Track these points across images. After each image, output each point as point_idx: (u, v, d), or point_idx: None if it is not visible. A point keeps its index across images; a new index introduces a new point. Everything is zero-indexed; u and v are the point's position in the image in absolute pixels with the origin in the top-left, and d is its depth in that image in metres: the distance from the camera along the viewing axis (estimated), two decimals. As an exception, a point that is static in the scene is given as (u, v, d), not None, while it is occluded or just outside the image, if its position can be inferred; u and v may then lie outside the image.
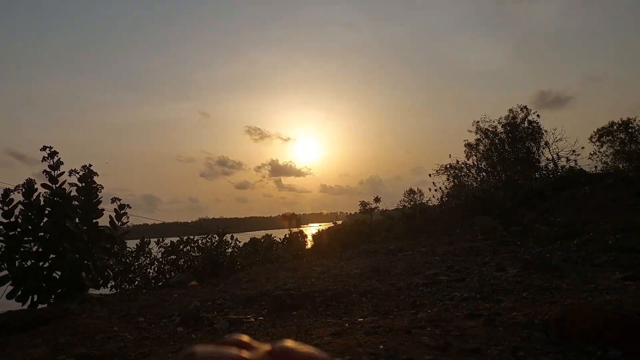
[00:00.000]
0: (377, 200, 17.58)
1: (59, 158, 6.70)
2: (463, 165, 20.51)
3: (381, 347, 2.94)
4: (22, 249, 6.38)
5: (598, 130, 21.98)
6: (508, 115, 20.75)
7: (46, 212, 6.58)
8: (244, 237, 13.55)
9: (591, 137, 22.13)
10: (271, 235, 14.55)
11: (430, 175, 19.10)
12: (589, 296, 3.85)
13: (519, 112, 20.63)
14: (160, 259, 9.62)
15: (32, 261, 6.41)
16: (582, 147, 19.46)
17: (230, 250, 10.70)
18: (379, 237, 14.90)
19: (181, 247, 9.95)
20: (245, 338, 0.31)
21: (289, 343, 0.30)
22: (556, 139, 19.76)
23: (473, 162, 20.91)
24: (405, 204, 20.29)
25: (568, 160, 18.99)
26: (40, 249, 6.47)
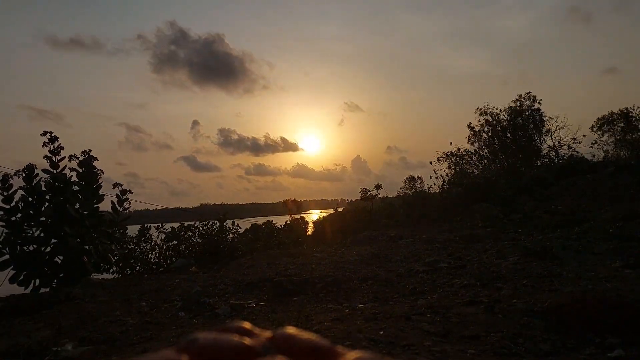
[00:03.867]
0: (377, 187, 17.55)
1: (60, 143, 6.69)
2: (464, 153, 20.48)
3: (381, 333, 2.96)
4: (23, 234, 6.40)
5: (598, 119, 21.93)
6: (516, 100, 20.63)
7: (47, 197, 6.59)
8: (245, 223, 13.58)
9: (592, 126, 22.09)
10: (272, 221, 14.55)
11: (431, 162, 19.06)
12: (589, 284, 3.86)
13: (526, 99, 20.53)
14: (162, 245, 9.66)
15: (34, 246, 6.44)
16: (584, 135, 19.40)
17: (231, 236, 10.73)
18: (380, 224, 14.91)
19: (182, 232, 9.99)
20: (246, 325, 0.30)
21: (290, 330, 0.29)
22: (558, 127, 19.70)
23: (475, 150, 20.87)
24: (406, 191, 20.28)
25: (570, 148, 18.94)
26: (41, 234, 6.49)
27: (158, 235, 9.78)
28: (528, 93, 20.50)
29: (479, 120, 21.20)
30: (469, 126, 21.35)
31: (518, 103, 20.56)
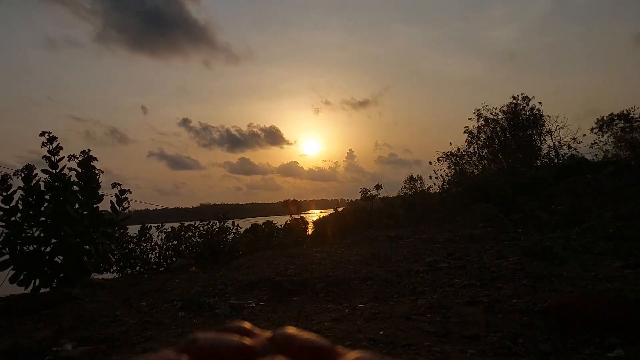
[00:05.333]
0: (378, 187, 17.58)
1: (58, 143, 6.69)
2: (464, 153, 20.47)
3: (381, 333, 2.96)
4: (23, 234, 6.40)
5: (598, 120, 21.93)
6: (510, 103, 20.66)
7: (46, 197, 6.59)
8: (245, 223, 13.57)
9: (592, 127, 22.09)
10: (272, 221, 14.56)
11: (431, 163, 19.05)
12: (589, 284, 3.86)
13: (521, 100, 20.53)
14: (162, 245, 9.67)
15: (34, 246, 6.44)
16: (584, 135, 19.39)
17: (231, 236, 10.73)
18: (380, 224, 14.92)
19: (182, 232, 9.99)
20: (246, 325, 0.30)
21: (290, 329, 0.29)
22: (558, 127, 19.68)
23: (474, 150, 20.86)
24: (406, 191, 20.30)
25: (570, 148, 18.92)
26: (41, 234, 6.49)
27: (158, 235, 9.79)
28: (521, 94, 20.51)
29: (478, 122, 21.20)
30: (466, 131, 21.34)
31: (513, 105, 20.56)
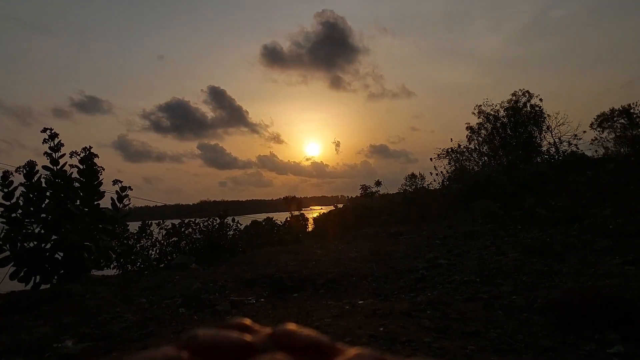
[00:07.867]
0: (378, 184, 17.61)
1: (60, 140, 6.70)
2: (465, 150, 20.48)
3: (381, 329, 2.97)
4: (24, 231, 6.41)
5: (598, 116, 21.94)
6: (511, 99, 20.64)
7: (47, 193, 6.60)
8: (245, 220, 13.57)
9: (592, 123, 22.10)
10: (272, 218, 14.56)
11: (431, 159, 19.07)
12: (589, 280, 3.87)
13: (522, 96, 20.51)
14: (162, 241, 9.68)
15: (34, 242, 6.45)
16: (584, 132, 19.36)
17: (231, 232, 10.74)
18: (380, 221, 14.91)
19: (183, 229, 9.99)
20: (246, 321, 0.30)
21: (290, 326, 0.29)
22: (558, 124, 19.66)
23: (475, 146, 20.87)
24: (407, 188, 20.31)
25: (570, 144, 18.90)
26: (42, 231, 6.50)
27: (159, 232, 9.80)
28: (522, 89, 20.50)
29: (479, 118, 21.20)
30: (468, 127, 21.35)
31: (513, 100, 20.55)
